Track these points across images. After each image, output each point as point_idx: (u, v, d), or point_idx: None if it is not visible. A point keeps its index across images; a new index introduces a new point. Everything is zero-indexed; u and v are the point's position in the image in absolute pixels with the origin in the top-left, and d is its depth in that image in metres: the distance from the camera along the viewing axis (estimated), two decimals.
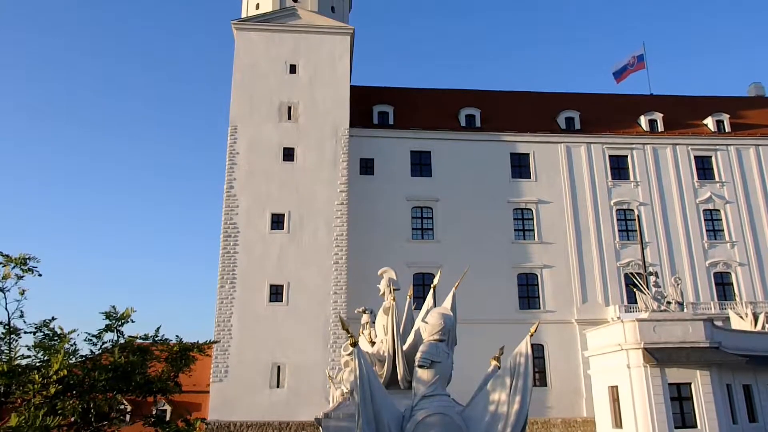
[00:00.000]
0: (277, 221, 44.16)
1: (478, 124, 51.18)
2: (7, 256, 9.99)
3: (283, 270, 42.85)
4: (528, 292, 46.69)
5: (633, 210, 48.69)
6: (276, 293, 42.40)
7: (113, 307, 11.12)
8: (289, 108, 47.29)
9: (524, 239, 47.94)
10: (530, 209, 48.70)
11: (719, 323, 36.53)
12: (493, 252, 46.63)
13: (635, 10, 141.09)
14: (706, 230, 48.91)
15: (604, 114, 53.44)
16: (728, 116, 53.07)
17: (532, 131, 50.65)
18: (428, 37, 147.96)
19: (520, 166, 49.82)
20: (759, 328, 37.04)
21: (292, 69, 48.50)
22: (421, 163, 49.34)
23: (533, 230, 48.19)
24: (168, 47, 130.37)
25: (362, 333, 13.88)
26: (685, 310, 42.24)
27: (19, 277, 9.98)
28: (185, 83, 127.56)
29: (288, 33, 49.24)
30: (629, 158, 50.42)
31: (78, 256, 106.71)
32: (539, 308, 46.07)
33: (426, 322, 12.52)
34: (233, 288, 42.33)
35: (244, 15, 52.16)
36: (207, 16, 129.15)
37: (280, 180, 45.09)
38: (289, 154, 46.02)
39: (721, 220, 49.40)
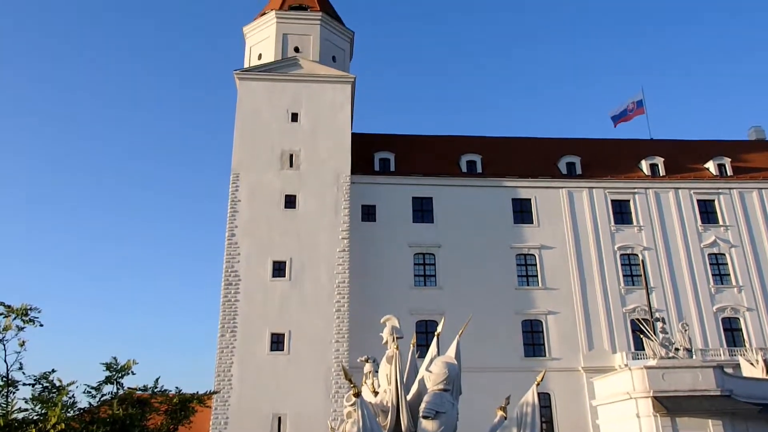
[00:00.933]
0: (279, 269, 44.23)
1: (479, 169, 51.77)
2: (9, 306, 9.94)
3: (285, 318, 42.66)
4: (533, 339, 46.27)
5: (637, 255, 48.69)
6: (277, 342, 42.10)
7: (114, 358, 11.06)
8: (291, 156, 48.02)
9: (528, 285, 47.80)
10: (533, 255, 48.72)
11: (729, 370, 35.92)
12: (497, 298, 46.46)
13: (634, 56, 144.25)
14: (712, 275, 48.77)
15: (605, 159, 54.07)
16: (729, 160, 53.66)
17: (533, 176, 51.18)
18: (429, 83, 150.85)
19: (522, 211, 50.12)
20: None
21: (294, 117, 49.49)
22: (422, 209, 49.70)
23: (537, 276, 48.10)
24: (170, 96, 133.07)
25: (365, 383, 13.83)
26: (694, 356, 41.64)
27: (20, 329, 9.89)
28: (186, 131, 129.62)
29: (290, 82, 50.45)
30: (631, 203, 50.74)
31: (79, 305, 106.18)
32: (545, 356, 45.54)
33: (430, 371, 12.52)
34: (234, 337, 42.03)
35: (246, 65, 53.51)
36: (209, 65, 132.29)
37: (281, 227, 45.37)
38: (290, 202, 46.48)
39: (727, 264, 49.32)
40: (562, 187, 50.89)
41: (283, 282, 43.84)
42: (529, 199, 50.44)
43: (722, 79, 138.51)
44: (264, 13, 54.75)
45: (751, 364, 38.10)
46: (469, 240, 48.39)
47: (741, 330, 47.20)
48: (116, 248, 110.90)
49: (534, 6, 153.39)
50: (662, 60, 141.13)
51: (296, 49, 52.16)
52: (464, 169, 51.92)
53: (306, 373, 41.04)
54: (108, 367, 10.90)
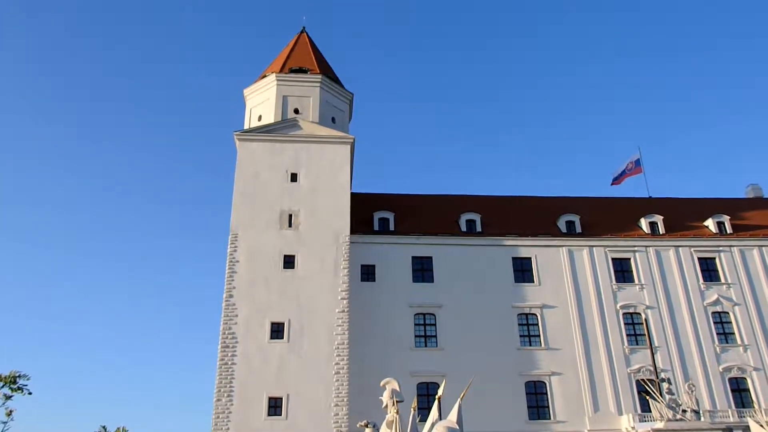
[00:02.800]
0: (277, 330, 44.39)
1: (478, 229, 52.68)
2: None
3: (283, 381, 42.53)
4: (537, 401, 46.00)
5: (640, 314, 49.02)
6: (275, 406, 41.83)
7: (103, 427, 10.93)
8: (290, 216, 48.92)
9: (530, 345, 47.90)
10: (535, 314, 49.02)
11: None
12: (499, 359, 46.51)
13: (630, 116, 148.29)
14: (717, 333, 49.02)
15: (605, 217, 55.13)
16: (729, 217, 54.82)
17: (533, 235, 52.06)
18: (428, 144, 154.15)
19: (522, 270, 50.71)
20: None
21: (293, 177, 50.65)
22: (423, 269, 50.26)
23: (539, 336, 48.24)
24: (168, 156, 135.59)
25: None
26: (702, 418, 41.43)
27: (8, 397, 9.48)
28: (185, 190, 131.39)
29: (289, 143, 51.89)
30: (632, 261, 51.46)
31: (70, 368, 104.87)
32: (549, 418, 45.23)
33: None
34: (230, 401, 41.80)
35: (246, 126, 55.22)
36: (208, 125, 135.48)
37: (280, 288, 45.81)
38: (289, 262, 47.04)
39: (731, 322, 49.63)
40: (563, 246, 51.70)
41: (281, 344, 43.94)
42: (530, 258, 51.12)
43: (719, 139, 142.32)
44: (264, 76, 56.85)
45: (761, 425, 37.82)
46: (470, 299, 48.76)
47: (749, 390, 47.08)
48: (113, 308, 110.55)
49: (534, 67, 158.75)
50: (660, 120, 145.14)
51: (296, 111, 53.96)
52: (464, 228, 52.82)
53: None
54: None
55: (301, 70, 56.53)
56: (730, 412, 43.83)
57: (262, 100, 55.78)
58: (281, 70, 56.35)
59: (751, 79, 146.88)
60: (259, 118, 54.85)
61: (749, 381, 47.41)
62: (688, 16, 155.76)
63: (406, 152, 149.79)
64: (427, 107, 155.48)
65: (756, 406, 44.75)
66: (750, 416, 37.98)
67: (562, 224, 53.81)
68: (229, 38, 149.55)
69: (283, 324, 44.63)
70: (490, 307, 48.66)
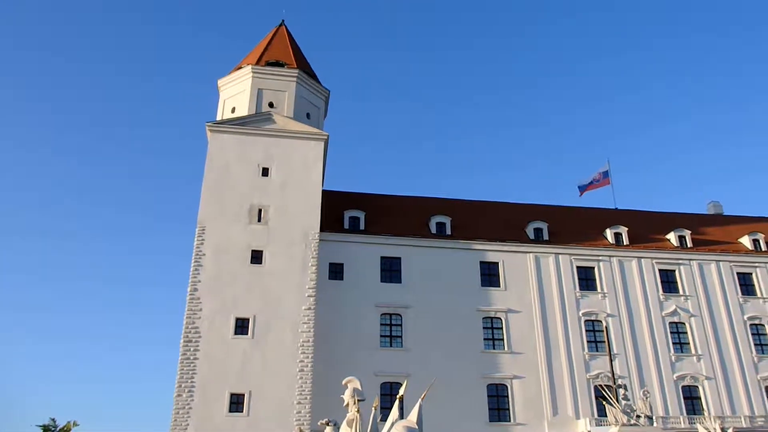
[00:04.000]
0: (242, 326, 44.59)
1: (448, 231, 53.69)
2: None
3: (246, 378, 42.80)
4: (498, 403, 47.24)
5: (601, 321, 50.74)
6: (237, 402, 42.07)
7: (53, 419, 11.21)
8: (260, 211, 49.06)
9: (494, 348, 49.13)
10: (500, 318, 50.25)
11: None
12: (463, 361, 47.58)
13: (601, 129, 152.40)
14: (673, 343, 51.17)
15: (572, 226, 56.78)
16: (690, 232, 57.12)
17: (502, 240, 53.29)
18: (402, 145, 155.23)
19: (489, 274, 51.90)
20: None
21: (265, 172, 50.77)
22: (391, 270, 51.00)
23: (503, 340, 49.50)
24: (137, 146, 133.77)
25: None
26: (655, 424, 43.16)
27: None
28: (152, 180, 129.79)
29: (262, 137, 51.93)
30: (596, 270, 53.17)
31: (23, 362, 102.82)
32: (509, 421, 46.56)
33: None
34: (191, 397, 41.87)
35: (219, 117, 55.07)
36: (180, 114, 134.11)
37: (246, 283, 45.99)
38: (257, 257, 47.22)
39: (687, 333, 51.84)
40: (530, 252, 53.06)
41: (245, 340, 44.19)
42: (497, 263, 52.32)
43: (684, 156, 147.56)
44: (240, 68, 56.72)
45: (709, 431, 39.77)
46: (437, 301, 49.69)
47: (700, 398, 49.29)
48: (72, 297, 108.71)
49: (511, 73, 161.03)
50: (628, 135, 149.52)
51: (270, 105, 54.07)
52: (434, 230, 53.78)
53: None
54: (45, 429, 11.00)
55: (277, 64, 56.63)
56: (681, 419, 45.82)
57: (236, 92, 55.69)
58: (257, 63, 56.35)
59: (717, 105, 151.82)
60: (233, 110, 54.81)
61: (701, 389, 49.65)
62: (663, 30, 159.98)
63: (380, 152, 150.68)
64: (403, 108, 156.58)
65: (706, 413, 46.92)
66: (700, 423, 39.79)
67: (530, 231, 55.23)
68: (207, 27, 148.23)
69: (248, 320, 44.85)
70: (457, 309, 49.68)
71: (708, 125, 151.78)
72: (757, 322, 53.12)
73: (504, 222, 56.37)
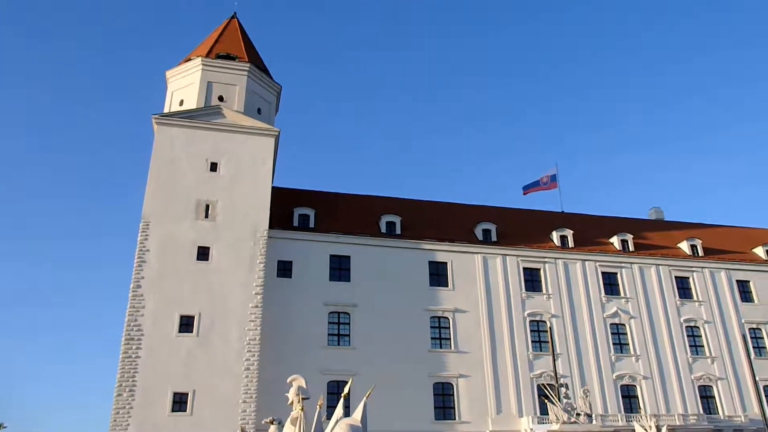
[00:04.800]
0: (187, 324, 44.05)
1: (398, 231, 54.30)
2: None
3: (189, 376, 42.34)
4: (444, 402, 48.14)
5: (545, 322, 52.32)
6: (180, 402, 41.59)
7: None
8: (207, 206, 48.47)
9: (441, 348, 50.01)
10: (447, 318, 51.17)
11: None
12: (410, 360, 48.29)
13: (550, 132, 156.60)
14: (613, 344, 53.27)
15: (520, 228, 58.35)
16: (632, 236, 59.55)
17: (451, 241, 54.23)
18: (354, 143, 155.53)
19: (438, 274, 52.77)
20: None
21: (213, 167, 50.16)
22: (340, 268, 51.24)
23: (450, 339, 50.42)
24: (81, 136, 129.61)
25: None
26: (594, 421, 45.01)
27: None
28: (96, 172, 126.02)
29: (211, 131, 51.27)
30: (542, 271, 54.79)
31: None
32: (454, 419, 47.55)
33: None
34: (132, 396, 41.16)
35: (167, 109, 54.09)
36: (127, 106, 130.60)
37: (192, 280, 45.44)
38: (203, 254, 46.68)
39: (627, 334, 54.05)
40: (478, 253, 54.21)
41: (189, 338, 43.69)
42: (446, 263, 53.24)
43: (628, 163, 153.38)
44: (189, 59, 55.84)
45: (645, 429, 41.68)
46: (385, 300, 50.23)
47: (637, 397, 51.49)
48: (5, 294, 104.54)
49: (461, 78, 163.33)
50: (576, 140, 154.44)
51: (220, 98, 53.45)
52: (384, 229, 54.29)
53: None
54: None
55: (228, 57, 55.99)
56: (619, 417, 47.77)
57: (185, 84, 54.81)
58: (208, 55, 55.61)
59: (660, 113, 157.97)
60: (181, 102, 53.95)
61: (638, 388, 51.88)
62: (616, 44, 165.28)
63: (332, 150, 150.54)
64: (356, 106, 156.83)
65: (642, 411, 48.98)
66: (637, 421, 41.66)
67: (479, 232, 56.42)
68: (156, 16, 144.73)
69: (193, 317, 44.34)
70: (405, 308, 50.33)
71: (654, 133, 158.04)
72: (692, 324, 55.78)
73: (453, 222, 57.42)
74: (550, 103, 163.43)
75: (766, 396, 53.38)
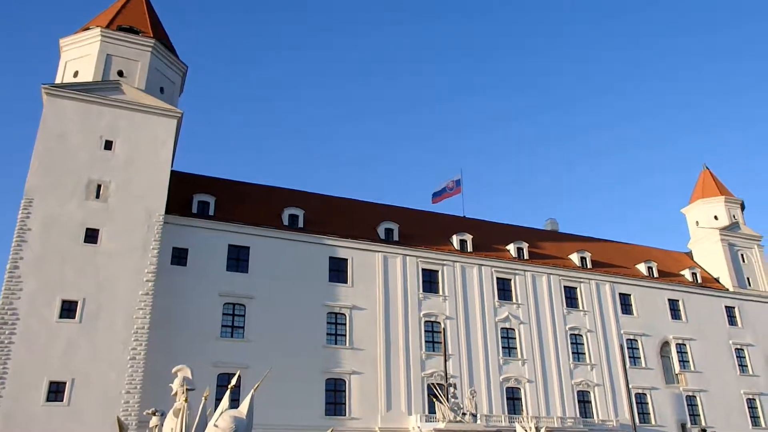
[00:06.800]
0: (69, 309, 42.69)
1: (301, 224, 55.06)
2: None
3: (69, 365, 41.14)
4: (335, 398, 49.53)
5: (440, 323, 54.93)
6: (56, 391, 40.32)
7: None
8: (99, 186, 47.00)
9: (336, 344, 51.35)
10: (344, 314, 52.57)
11: None
12: (304, 355, 49.30)
13: (456, 139, 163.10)
14: (502, 347, 56.82)
15: (422, 230, 60.83)
16: (527, 245, 63.56)
17: (353, 238, 55.65)
18: (260, 132, 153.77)
19: (338, 270, 54.04)
20: None
21: (108, 145, 48.61)
22: (238, 259, 51.29)
23: (345, 335, 51.87)
24: None
25: None
26: (479, 421, 48.03)
27: None
28: None
29: (108, 107, 49.61)
30: (440, 273, 57.42)
31: None
32: (345, 415, 49.10)
33: (216, 426, 14.06)
34: (2, 385, 39.46)
35: (59, 80, 51.80)
36: (14, 71, 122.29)
37: (78, 264, 44.06)
38: (92, 236, 45.30)
39: (516, 338, 57.80)
40: (379, 252, 55.98)
41: (71, 324, 42.40)
42: (347, 260, 54.60)
43: (527, 174, 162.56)
44: (87, 28, 53.71)
45: (525, 430, 45.01)
46: (283, 294, 50.86)
47: (521, 399, 55.28)
48: None
49: (374, 74, 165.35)
50: (480, 147, 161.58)
51: (120, 73, 51.86)
52: (286, 222, 54.85)
53: (88, 428, 39.63)
54: None
55: (131, 30, 54.28)
56: (503, 417, 51.18)
57: (80, 55, 52.57)
58: (108, 26, 53.63)
59: (561, 128, 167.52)
60: (75, 74, 51.80)
61: (522, 391, 55.72)
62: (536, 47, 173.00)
63: (237, 137, 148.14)
64: (266, 94, 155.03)
65: (524, 413, 52.61)
66: (518, 422, 44.87)
67: (381, 231, 58.24)
68: None
69: (77, 303, 43.03)
70: (302, 303, 51.18)
71: (558, 150, 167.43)
72: (576, 332, 60.39)
73: (357, 220, 58.92)
74: (457, 104, 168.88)
75: (637, 402, 58.89)
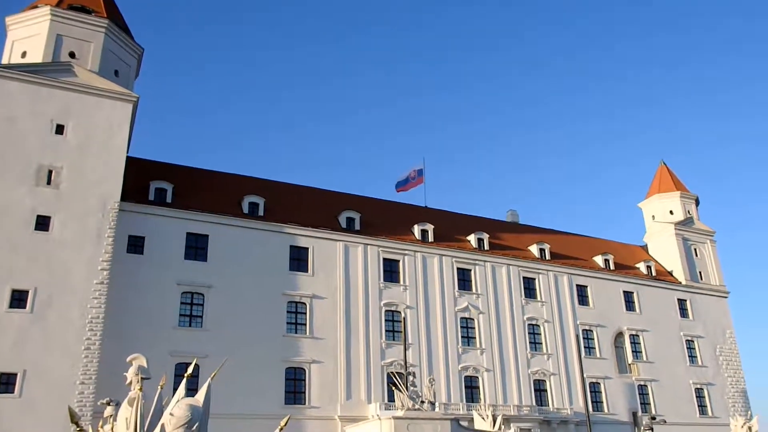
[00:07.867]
0: (19, 299, 41.97)
1: (261, 213, 55.03)
2: None
3: (20, 356, 40.51)
4: (295, 386, 49.98)
5: (400, 312, 55.73)
6: (6, 383, 39.69)
7: None
8: (50, 172, 46.10)
9: (296, 333, 51.72)
10: (304, 303, 52.90)
11: (465, 423, 43.48)
12: (264, 344, 49.56)
13: (419, 131, 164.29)
14: (461, 337, 58.05)
15: (383, 219, 61.44)
16: (488, 236, 64.78)
17: (314, 226, 55.90)
18: (220, 118, 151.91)
19: (298, 259, 54.26)
20: (496, 428, 44.55)
21: (59, 129, 47.62)
22: (197, 247, 51.05)
23: (305, 324, 52.26)
24: None
25: (101, 428, 14.42)
26: (437, 409, 49.04)
27: None
28: None
29: (59, 90, 48.54)
30: (401, 263, 58.19)
31: None
32: (304, 403, 49.65)
33: (172, 414, 14.00)
34: None
35: (5, 61, 50.29)
36: None
37: (28, 252, 43.28)
38: (43, 224, 44.52)
39: (475, 328, 59.09)
40: (340, 241, 56.37)
41: (22, 314, 41.70)
42: (307, 248, 54.84)
43: (489, 165, 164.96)
44: (36, 6, 52.28)
45: (483, 418, 46.20)
46: (242, 283, 50.90)
47: (479, 387, 56.61)
48: None
49: (337, 64, 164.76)
50: (443, 139, 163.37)
51: (72, 55, 50.74)
52: (246, 210, 54.74)
53: (41, 420, 39.04)
54: None
55: (83, 10, 52.96)
56: (461, 405, 52.48)
57: (29, 34, 51.01)
58: (58, 5, 52.26)
59: (526, 121, 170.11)
60: (23, 54, 50.33)
61: (480, 379, 57.08)
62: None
63: (195, 123, 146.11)
64: (226, 81, 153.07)
65: (482, 401, 53.97)
66: (476, 410, 46.04)
67: (342, 220, 58.62)
68: None
69: (27, 292, 42.30)
70: (262, 292, 51.30)
71: (514, 139, 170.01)
72: (534, 322, 61.99)
73: (318, 208, 59.12)
74: (421, 97, 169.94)
75: (591, 391, 60.88)
